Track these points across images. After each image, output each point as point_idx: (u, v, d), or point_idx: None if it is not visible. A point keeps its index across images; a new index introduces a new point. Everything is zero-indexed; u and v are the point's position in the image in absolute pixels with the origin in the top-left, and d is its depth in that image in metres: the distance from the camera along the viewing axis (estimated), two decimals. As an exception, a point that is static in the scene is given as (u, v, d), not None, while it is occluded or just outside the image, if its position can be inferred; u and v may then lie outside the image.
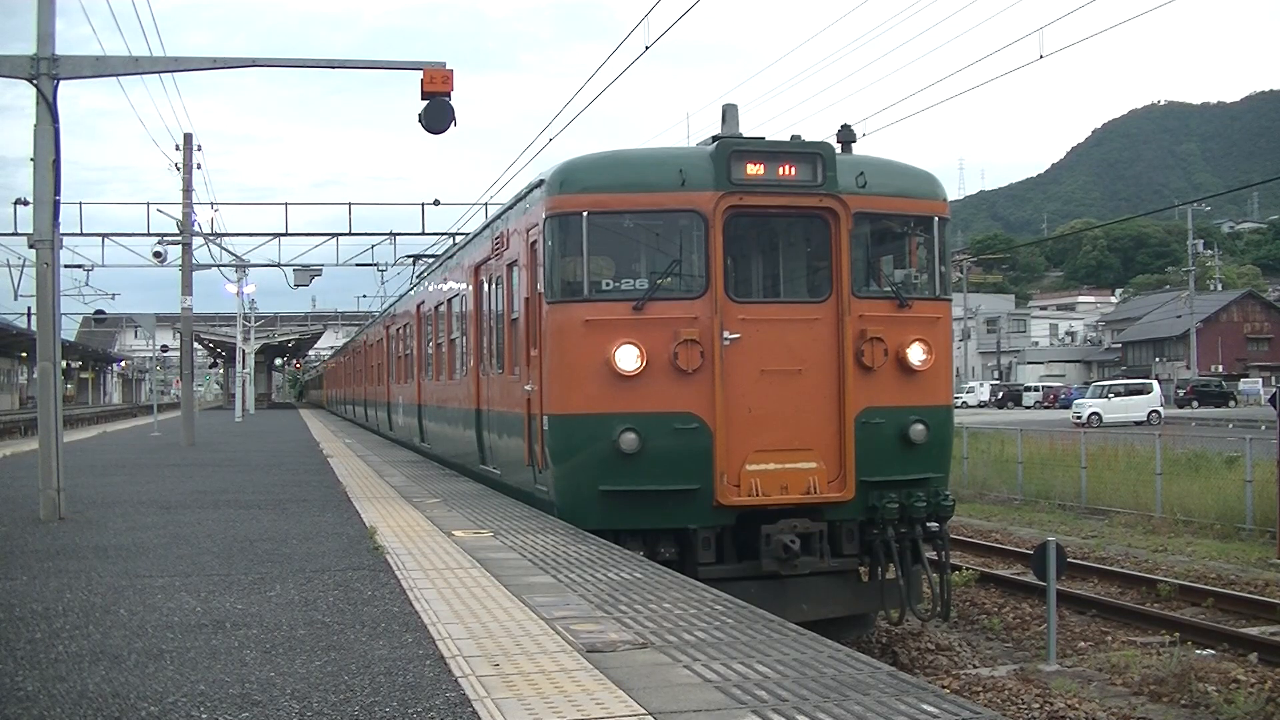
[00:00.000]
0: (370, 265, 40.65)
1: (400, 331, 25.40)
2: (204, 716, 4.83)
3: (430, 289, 20.60)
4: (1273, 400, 21.25)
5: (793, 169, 10.74)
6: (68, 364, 78.28)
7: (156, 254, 35.11)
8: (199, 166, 30.73)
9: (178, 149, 29.96)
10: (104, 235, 38.81)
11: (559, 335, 10.77)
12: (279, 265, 39.93)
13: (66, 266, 37.71)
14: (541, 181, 11.21)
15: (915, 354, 10.91)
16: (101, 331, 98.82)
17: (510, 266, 12.74)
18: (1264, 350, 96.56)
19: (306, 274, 39.68)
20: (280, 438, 32.14)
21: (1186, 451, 25.52)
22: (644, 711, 4.76)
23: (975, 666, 11.76)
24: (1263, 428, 32.06)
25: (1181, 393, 71.72)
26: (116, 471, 19.21)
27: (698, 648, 5.84)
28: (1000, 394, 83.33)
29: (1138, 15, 20.08)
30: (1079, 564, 16.45)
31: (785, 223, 11.47)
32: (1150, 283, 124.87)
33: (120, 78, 15.77)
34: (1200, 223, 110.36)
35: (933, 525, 11.01)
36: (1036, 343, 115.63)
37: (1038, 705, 9.77)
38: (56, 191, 12.06)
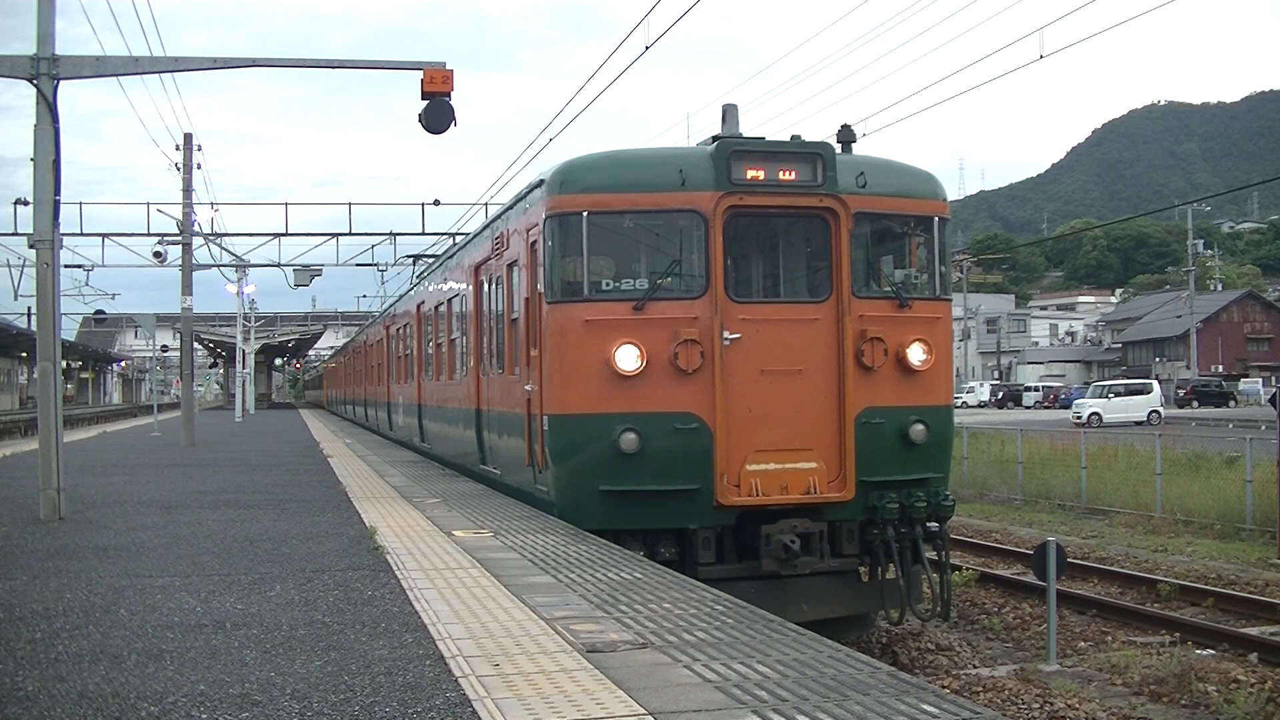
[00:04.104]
0: (370, 265, 40.75)
1: (400, 331, 25.39)
2: (204, 716, 4.83)
3: (430, 289, 20.60)
4: (1273, 400, 21.26)
5: (793, 169, 10.73)
6: (68, 364, 78.28)
7: (156, 254, 35.15)
8: (199, 166, 30.82)
9: (178, 149, 30.02)
10: (104, 235, 38.83)
11: (559, 335, 10.77)
12: (279, 265, 39.99)
13: (66, 266, 37.75)
14: (541, 181, 11.21)
15: (915, 354, 10.91)
16: (101, 331, 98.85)
17: (510, 266, 12.74)
18: (1264, 350, 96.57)
19: (306, 274, 39.70)
20: (280, 438, 32.14)
21: (1186, 452, 25.50)
22: (644, 711, 4.76)
23: (975, 666, 11.75)
24: (1263, 428, 32.07)
25: (1181, 393, 71.70)
26: (116, 471, 19.21)
27: (698, 648, 5.84)
28: (1000, 394, 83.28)
29: (1138, 15, 20.11)
30: (1079, 564, 16.45)
31: (785, 223, 11.47)
32: (1150, 283, 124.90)
33: (120, 78, 15.76)
34: (1200, 223, 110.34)
35: (933, 525, 11.01)
36: (1036, 343, 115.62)
37: (1038, 705, 9.77)
38: (56, 191, 12.06)
